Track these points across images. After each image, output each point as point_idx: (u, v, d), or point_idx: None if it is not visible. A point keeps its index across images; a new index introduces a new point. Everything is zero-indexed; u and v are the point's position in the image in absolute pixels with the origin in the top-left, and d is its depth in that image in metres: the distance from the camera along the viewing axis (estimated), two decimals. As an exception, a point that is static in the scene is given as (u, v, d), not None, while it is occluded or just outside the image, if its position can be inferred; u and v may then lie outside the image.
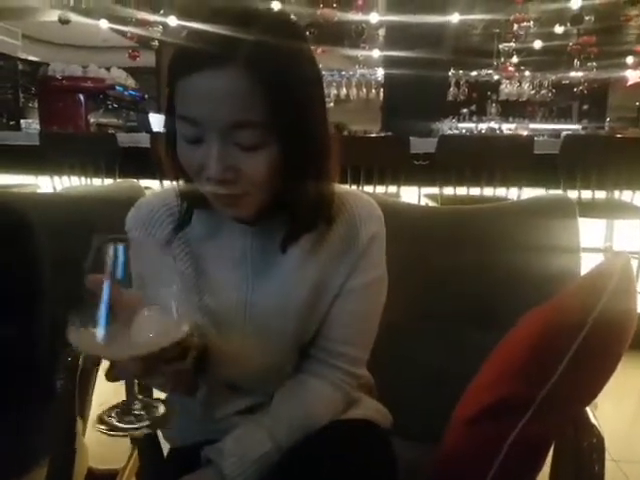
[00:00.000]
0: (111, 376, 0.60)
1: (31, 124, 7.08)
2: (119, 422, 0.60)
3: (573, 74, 8.39)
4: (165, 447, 0.94)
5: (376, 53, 7.01)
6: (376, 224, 0.83)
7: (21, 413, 0.92)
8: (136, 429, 0.60)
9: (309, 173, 0.72)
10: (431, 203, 2.75)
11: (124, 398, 0.62)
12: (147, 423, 0.60)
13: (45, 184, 3.16)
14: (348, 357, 0.83)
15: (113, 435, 0.59)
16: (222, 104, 0.65)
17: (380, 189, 2.69)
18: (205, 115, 0.66)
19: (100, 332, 0.56)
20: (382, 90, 5.80)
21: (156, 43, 6.84)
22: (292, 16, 0.83)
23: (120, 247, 0.58)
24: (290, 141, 0.68)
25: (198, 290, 0.80)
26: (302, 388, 0.82)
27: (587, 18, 6.12)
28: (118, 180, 1.97)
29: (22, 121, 7.49)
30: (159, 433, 0.92)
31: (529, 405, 0.69)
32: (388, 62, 4.73)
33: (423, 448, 0.91)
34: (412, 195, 2.80)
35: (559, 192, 2.53)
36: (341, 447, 0.73)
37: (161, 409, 0.62)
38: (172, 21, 5.91)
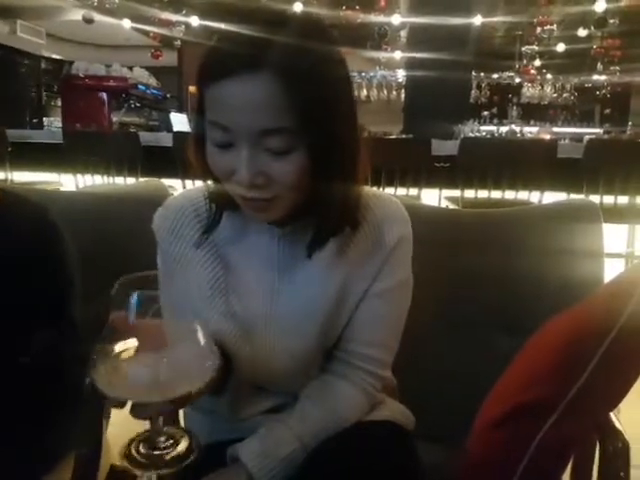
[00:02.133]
0: (136, 416, 0.58)
1: (53, 122, 7.19)
2: (145, 459, 0.59)
3: (596, 77, 8.30)
4: None
5: (398, 55, 7.00)
6: (403, 227, 0.83)
7: (48, 410, 0.93)
8: (162, 468, 0.59)
9: (337, 177, 0.71)
10: (452, 206, 2.73)
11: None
12: (172, 462, 0.59)
13: (68, 182, 3.20)
14: (373, 359, 0.83)
15: (140, 474, 0.59)
16: (253, 111, 0.64)
17: (401, 191, 2.69)
18: (236, 122, 0.65)
19: (125, 374, 0.55)
20: (403, 92, 5.79)
21: (178, 43, 6.90)
22: (322, 18, 0.82)
23: (145, 294, 0.57)
24: (320, 146, 0.67)
25: (225, 292, 0.80)
26: (327, 389, 0.82)
27: (611, 21, 6.04)
28: (143, 179, 1.99)
29: (44, 119, 7.61)
30: None
31: (554, 409, 0.69)
32: (410, 64, 4.72)
33: (445, 451, 0.91)
34: (433, 197, 2.79)
35: (583, 197, 2.50)
36: (365, 448, 0.73)
37: (184, 443, 0.61)
38: (194, 21, 5.97)
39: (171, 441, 0.61)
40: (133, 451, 0.59)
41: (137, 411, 0.58)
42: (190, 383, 0.57)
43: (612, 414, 0.79)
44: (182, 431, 0.64)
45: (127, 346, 0.57)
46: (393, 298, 0.83)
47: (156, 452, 0.60)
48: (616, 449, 0.74)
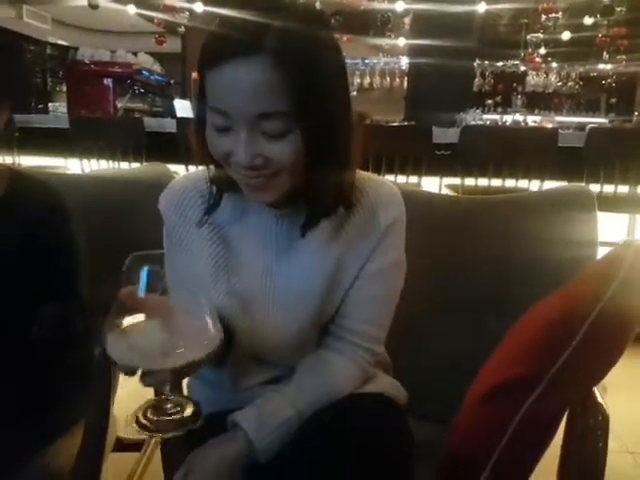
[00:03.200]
0: (145, 382, 0.62)
1: (58, 107, 7.19)
2: (152, 424, 0.63)
3: (601, 66, 8.22)
4: None
5: (401, 42, 6.96)
6: (396, 209, 0.86)
7: (59, 380, 0.97)
8: (169, 431, 0.64)
9: (331, 160, 0.74)
10: (452, 194, 2.75)
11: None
12: (179, 426, 0.64)
13: (74, 167, 3.23)
14: (366, 335, 0.87)
15: (149, 435, 0.62)
16: (250, 95, 0.66)
17: (401, 179, 2.70)
18: (233, 106, 0.68)
19: (136, 343, 0.59)
20: (406, 79, 5.77)
21: (182, 29, 6.89)
22: (319, 5, 0.85)
23: (153, 269, 0.61)
24: (314, 129, 0.70)
25: (226, 270, 0.84)
26: (323, 362, 0.86)
27: (618, 9, 5.99)
28: (147, 164, 2.02)
29: (50, 105, 7.62)
30: None
31: (538, 383, 0.72)
32: (413, 51, 4.72)
33: (437, 427, 0.94)
34: (433, 185, 2.80)
35: (580, 184, 2.51)
36: (359, 417, 0.76)
37: (189, 409, 0.65)
38: (198, 7, 5.95)
39: (178, 408, 0.65)
40: (141, 416, 0.63)
41: (145, 378, 0.62)
42: (195, 352, 0.61)
43: (596, 389, 0.82)
44: (187, 399, 0.68)
45: (136, 318, 0.61)
46: (386, 278, 0.87)
47: (163, 417, 0.64)
48: (597, 421, 0.78)
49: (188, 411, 0.65)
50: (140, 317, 0.61)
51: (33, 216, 0.97)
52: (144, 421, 0.63)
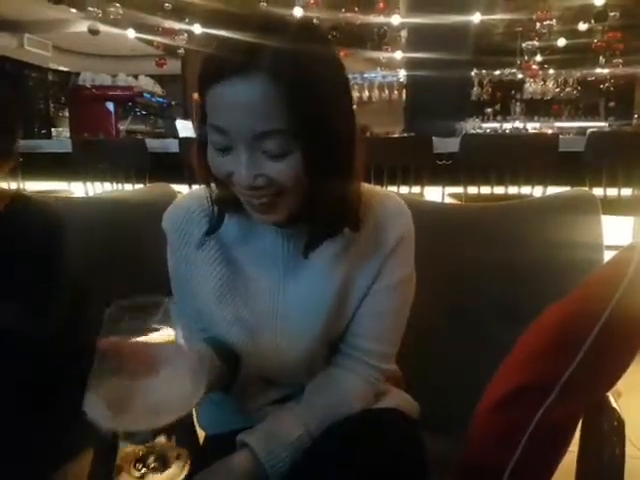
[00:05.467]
0: (125, 441, 0.60)
1: (61, 132, 7.27)
2: (135, 478, 0.60)
3: (599, 71, 8.25)
4: (201, 435, 0.98)
5: (398, 55, 7.02)
6: (404, 224, 0.84)
7: (67, 406, 0.97)
8: None
9: (335, 178, 0.72)
10: (455, 202, 2.75)
11: None
12: None
13: (77, 190, 3.25)
14: (376, 353, 0.85)
15: None
16: (248, 114, 0.66)
17: (404, 190, 2.70)
18: (232, 125, 0.67)
19: (113, 404, 0.55)
20: (405, 91, 5.80)
21: (182, 51, 6.97)
22: (316, 22, 0.84)
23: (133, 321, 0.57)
24: (315, 148, 0.68)
25: (233, 293, 0.82)
26: (333, 380, 0.84)
27: (612, 14, 6.02)
28: (150, 184, 2.03)
29: (53, 130, 7.70)
30: (195, 421, 0.96)
31: (552, 389, 0.72)
32: (410, 63, 4.74)
33: (449, 439, 0.93)
34: (436, 195, 2.80)
35: (583, 188, 2.51)
36: (371, 433, 0.74)
37: (175, 466, 0.61)
38: (197, 29, 6.02)
39: (163, 460, 0.61)
40: (126, 468, 0.60)
41: (125, 438, 0.59)
42: (176, 412, 0.57)
43: (609, 395, 0.81)
44: (175, 449, 0.64)
45: (115, 374, 0.56)
46: (395, 294, 0.85)
47: (146, 471, 0.60)
48: (612, 427, 0.77)
49: (172, 469, 0.61)
50: (119, 373, 0.57)
51: (27, 238, 0.97)
52: (128, 474, 0.60)
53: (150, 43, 7.13)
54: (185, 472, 0.62)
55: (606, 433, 0.76)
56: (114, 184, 3.06)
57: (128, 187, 3.02)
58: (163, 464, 0.61)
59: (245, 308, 0.82)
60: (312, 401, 0.82)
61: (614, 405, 0.80)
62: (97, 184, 3.11)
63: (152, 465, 0.61)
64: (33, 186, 3.33)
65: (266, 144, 0.67)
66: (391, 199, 0.86)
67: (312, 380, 0.85)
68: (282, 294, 0.82)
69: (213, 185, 0.78)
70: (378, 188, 0.88)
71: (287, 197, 0.72)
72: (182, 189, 2.76)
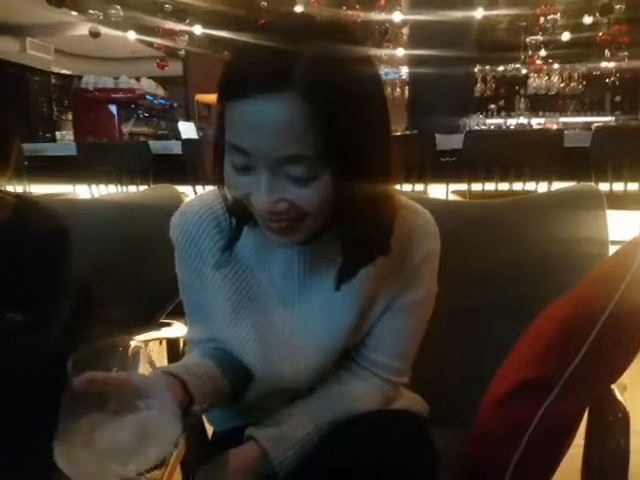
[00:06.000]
0: None
1: (65, 135, 7.31)
2: None
3: (604, 65, 8.20)
4: (209, 430, 0.96)
5: (400, 52, 7.01)
6: (432, 242, 0.81)
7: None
8: None
9: (366, 201, 0.65)
10: (459, 199, 2.74)
11: None
12: None
13: (82, 193, 3.27)
14: (390, 368, 0.84)
15: None
16: (274, 136, 0.58)
17: (407, 187, 2.70)
18: (255, 146, 0.60)
19: (87, 455, 0.51)
20: (407, 88, 5.79)
21: (183, 52, 6.98)
22: (349, 24, 0.75)
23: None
24: (349, 171, 0.61)
25: (247, 312, 0.79)
26: (344, 384, 0.82)
27: (617, 7, 5.98)
28: (154, 186, 2.04)
29: (57, 133, 7.74)
30: (203, 417, 0.95)
31: (556, 383, 0.71)
32: (413, 60, 4.73)
33: (454, 433, 0.93)
34: (440, 192, 2.80)
35: (588, 183, 2.50)
36: (381, 432, 0.73)
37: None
38: (198, 30, 6.02)
39: None
40: None
41: None
42: (154, 456, 0.53)
43: (614, 387, 0.81)
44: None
45: (89, 416, 0.53)
46: (416, 312, 0.83)
47: None
48: (616, 419, 0.77)
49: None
50: (93, 415, 0.53)
51: (31, 243, 0.97)
52: None
53: (151, 45, 7.15)
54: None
55: (611, 426, 0.77)
56: (119, 186, 3.08)
57: (132, 189, 3.04)
58: None
59: (259, 324, 0.79)
60: (322, 401, 0.81)
61: (619, 398, 0.80)
62: (102, 186, 3.12)
63: None
64: (39, 189, 3.35)
65: (291, 169, 0.60)
66: (420, 215, 0.81)
67: (323, 383, 0.83)
68: (297, 312, 0.79)
69: (227, 192, 0.71)
70: (405, 199, 0.81)
71: (309, 220, 0.65)
72: (185, 190, 2.78)
